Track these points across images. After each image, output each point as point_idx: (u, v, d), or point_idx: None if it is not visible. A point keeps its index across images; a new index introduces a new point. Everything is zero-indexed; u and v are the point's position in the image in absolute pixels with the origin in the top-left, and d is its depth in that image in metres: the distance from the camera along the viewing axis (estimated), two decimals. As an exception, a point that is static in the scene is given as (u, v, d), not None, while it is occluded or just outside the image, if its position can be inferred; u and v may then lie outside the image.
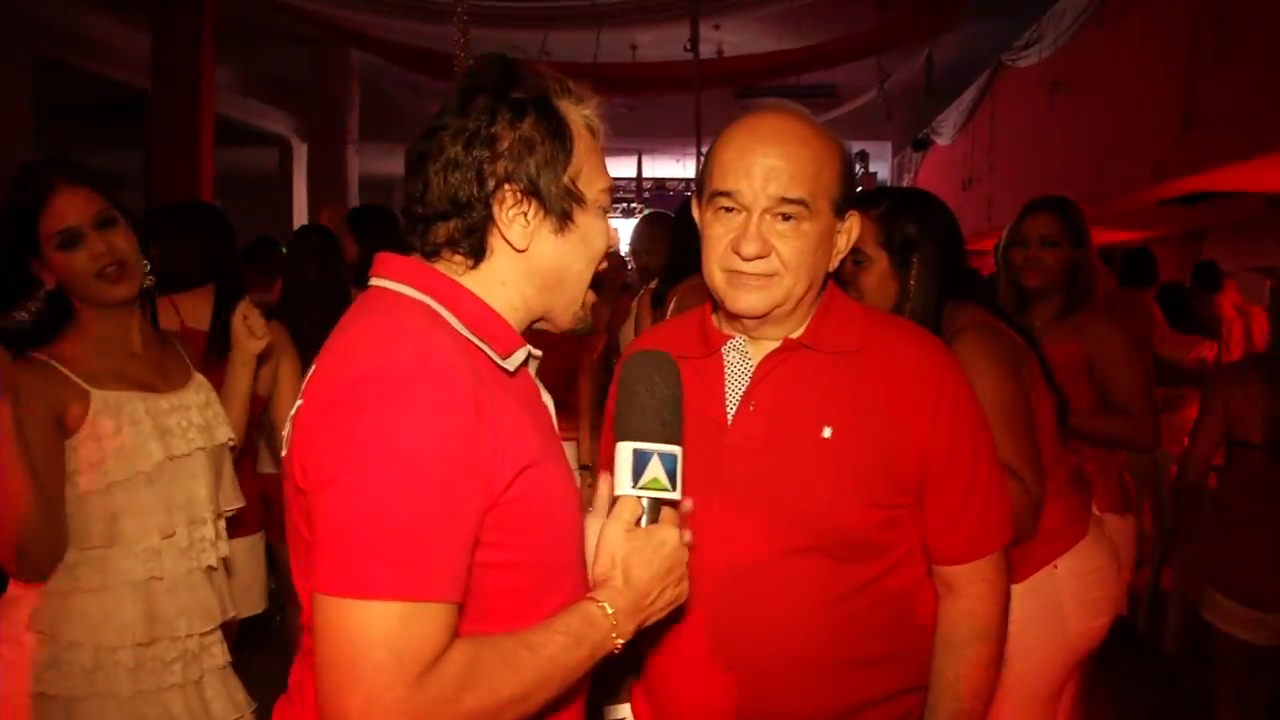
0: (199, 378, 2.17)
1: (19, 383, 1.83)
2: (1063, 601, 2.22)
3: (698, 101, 9.05)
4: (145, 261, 2.05)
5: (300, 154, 15.08)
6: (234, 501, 2.20)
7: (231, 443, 2.20)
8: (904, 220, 2.24)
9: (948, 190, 12.82)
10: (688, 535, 1.30)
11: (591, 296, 1.37)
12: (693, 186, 15.66)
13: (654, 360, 1.31)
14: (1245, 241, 8.76)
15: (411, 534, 1.05)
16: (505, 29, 10.10)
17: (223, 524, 2.13)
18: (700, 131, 9.39)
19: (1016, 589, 2.11)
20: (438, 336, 1.16)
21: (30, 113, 9.97)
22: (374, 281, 1.28)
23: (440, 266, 1.27)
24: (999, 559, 1.56)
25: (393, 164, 16.89)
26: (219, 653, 2.08)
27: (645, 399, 1.27)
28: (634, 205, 18.38)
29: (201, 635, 2.03)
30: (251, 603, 2.90)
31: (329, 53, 12.80)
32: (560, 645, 1.16)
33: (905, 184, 16.18)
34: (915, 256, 2.22)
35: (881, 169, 17.99)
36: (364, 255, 4.10)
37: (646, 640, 1.56)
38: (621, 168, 17.64)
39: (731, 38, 11.70)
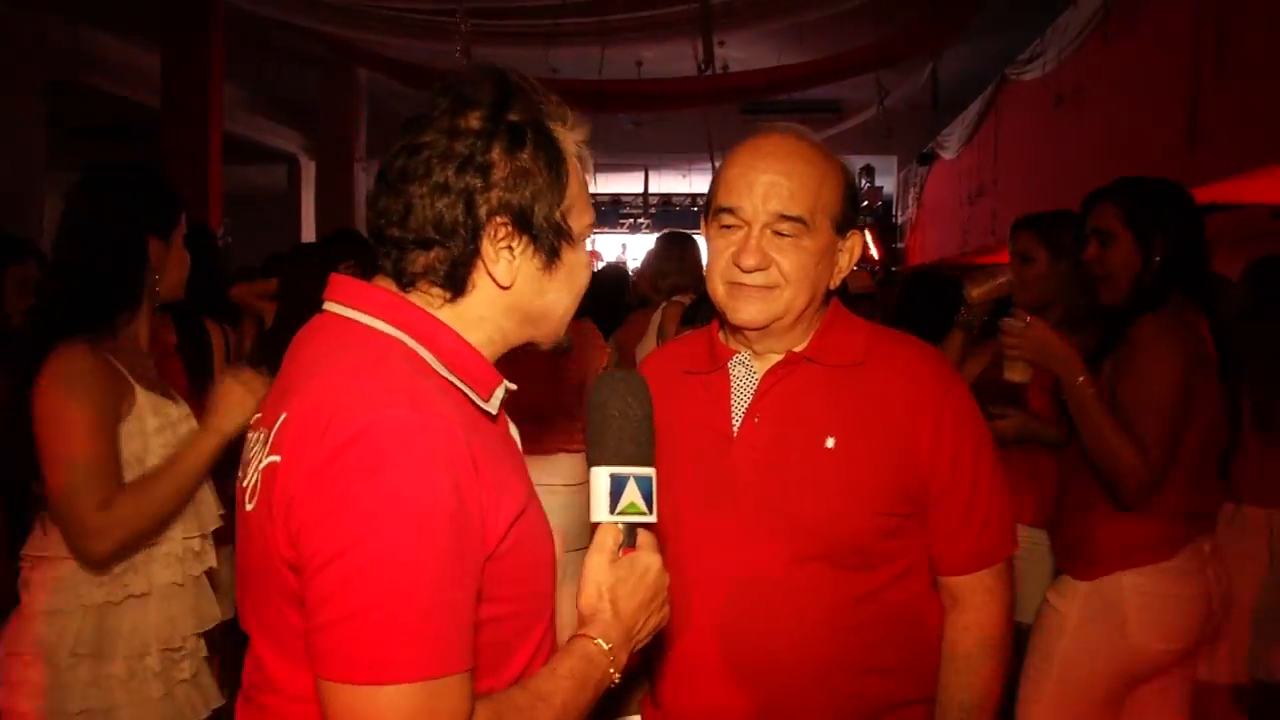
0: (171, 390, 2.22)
1: (92, 381, 1.88)
2: (1124, 610, 2.23)
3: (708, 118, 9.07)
4: None
5: (308, 171, 15.18)
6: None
7: None
8: (1150, 203, 2.40)
9: (953, 204, 12.85)
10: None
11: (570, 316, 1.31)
12: (699, 201, 15.65)
13: (626, 381, 1.26)
14: (1251, 254, 8.76)
15: (429, 609, 0.99)
16: (510, 46, 10.17)
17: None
18: (711, 147, 9.42)
19: (1083, 587, 2.27)
20: (425, 385, 1.08)
21: (43, 132, 10.07)
22: (336, 309, 1.18)
23: (414, 298, 1.17)
24: (1003, 569, 1.57)
25: (400, 181, 16.97)
26: (203, 646, 2.14)
27: (619, 422, 1.23)
28: (641, 221, 18.43)
29: (199, 635, 2.10)
30: (226, 609, 2.97)
31: (337, 71, 12.90)
32: (569, 690, 1.13)
33: (910, 199, 16.21)
34: (1157, 243, 2.35)
35: (887, 183, 18.03)
36: None
37: (655, 651, 1.58)
38: (628, 183, 17.71)
39: (736, 54, 11.75)
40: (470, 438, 1.06)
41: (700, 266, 3.97)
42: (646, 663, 1.65)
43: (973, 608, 1.55)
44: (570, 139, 1.21)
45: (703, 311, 3.26)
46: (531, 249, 1.17)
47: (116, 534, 1.85)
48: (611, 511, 1.21)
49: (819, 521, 1.48)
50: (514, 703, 1.09)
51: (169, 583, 2.00)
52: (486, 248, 1.15)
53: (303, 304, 3.55)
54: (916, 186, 15.71)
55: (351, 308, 1.16)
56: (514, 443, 1.30)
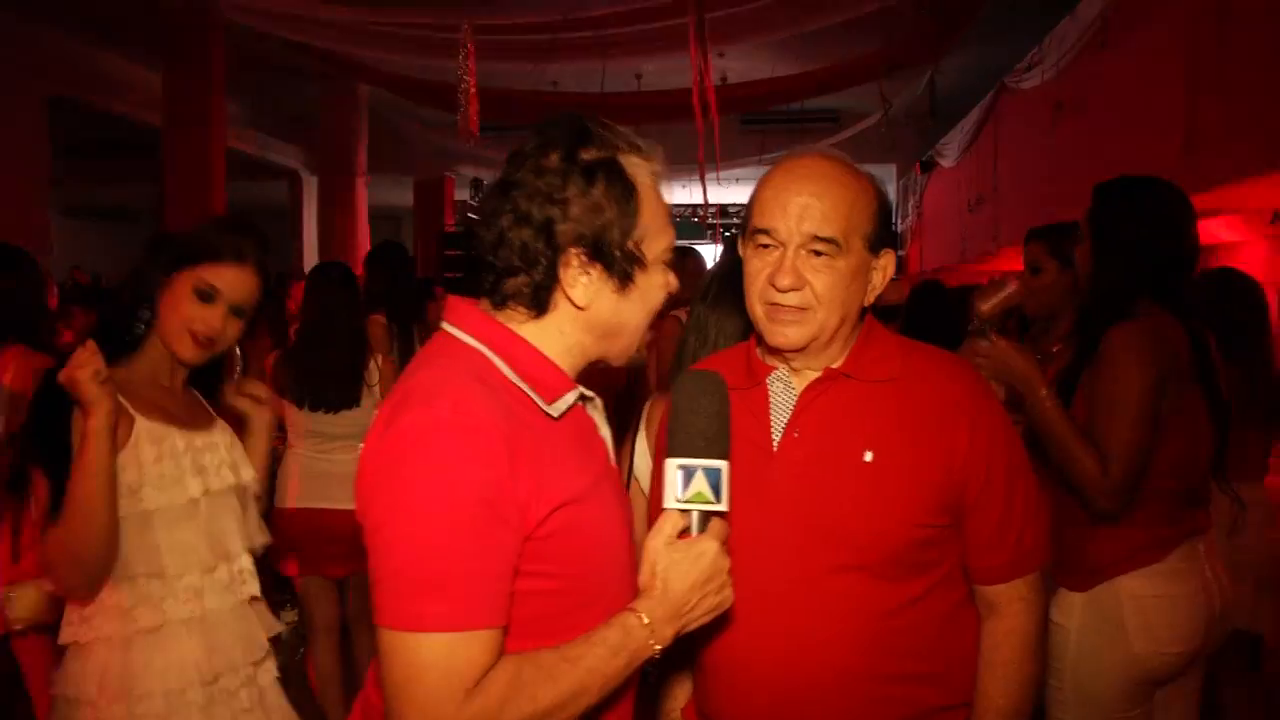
0: (221, 421, 2.21)
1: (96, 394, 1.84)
2: (1124, 617, 2.23)
3: (716, 127, 9.07)
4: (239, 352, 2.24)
5: (310, 186, 15.23)
6: (260, 538, 2.21)
7: (254, 485, 2.24)
8: (1106, 204, 2.39)
9: (953, 212, 12.88)
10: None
11: (647, 336, 1.45)
12: (699, 213, 15.58)
13: (699, 380, 1.36)
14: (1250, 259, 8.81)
15: (453, 573, 1.19)
16: (510, 61, 10.22)
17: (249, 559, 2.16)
18: (712, 158, 9.45)
19: (1079, 598, 2.27)
20: (476, 390, 1.25)
21: (46, 149, 10.11)
22: (444, 325, 1.38)
23: (503, 315, 1.35)
24: (1036, 579, 1.62)
25: (401, 195, 17.01)
26: (271, 668, 2.13)
27: (689, 418, 1.32)
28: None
29: (255, 663, 2.07)
30: None
31: (338, 86, 12.92)
32: (598, 657, 1.25)
33: (910, 207, 16.26)
34: (1114, 244, 2.34)
35: (887, 191, 18.03)
36: (372, 291, 4.17)
37: (698, 656, 1.63)
38: (627, 194, 17.65)
39: (736, 65, 11.82)
40: (514, 436, 1.23)
41: (701, 276, 4.02)
42: (692, 669, 1.69)
43: (1009, 615, 1.59)
44: (645, 170, 1.36)
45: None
46: (605, 274, 1.33)
47: (57, 563, 1.85)
48: (678, 499, 1.30)
49: (858, 533, 1.52)
50: (539, 661, 1.23)
51: (193, 615, 1.97)
52: (564, 274, 1.32)
53: (324, 320, 3.63)
54: (915, 195, 15.75)
55: (451, 324, 1.37)
56: (596, 440, 1.45)
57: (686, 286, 4.19)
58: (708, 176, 9.05)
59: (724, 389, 1.36)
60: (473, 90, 8.20)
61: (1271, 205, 6.69)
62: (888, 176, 17.25)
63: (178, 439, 2.02)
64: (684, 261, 4.44)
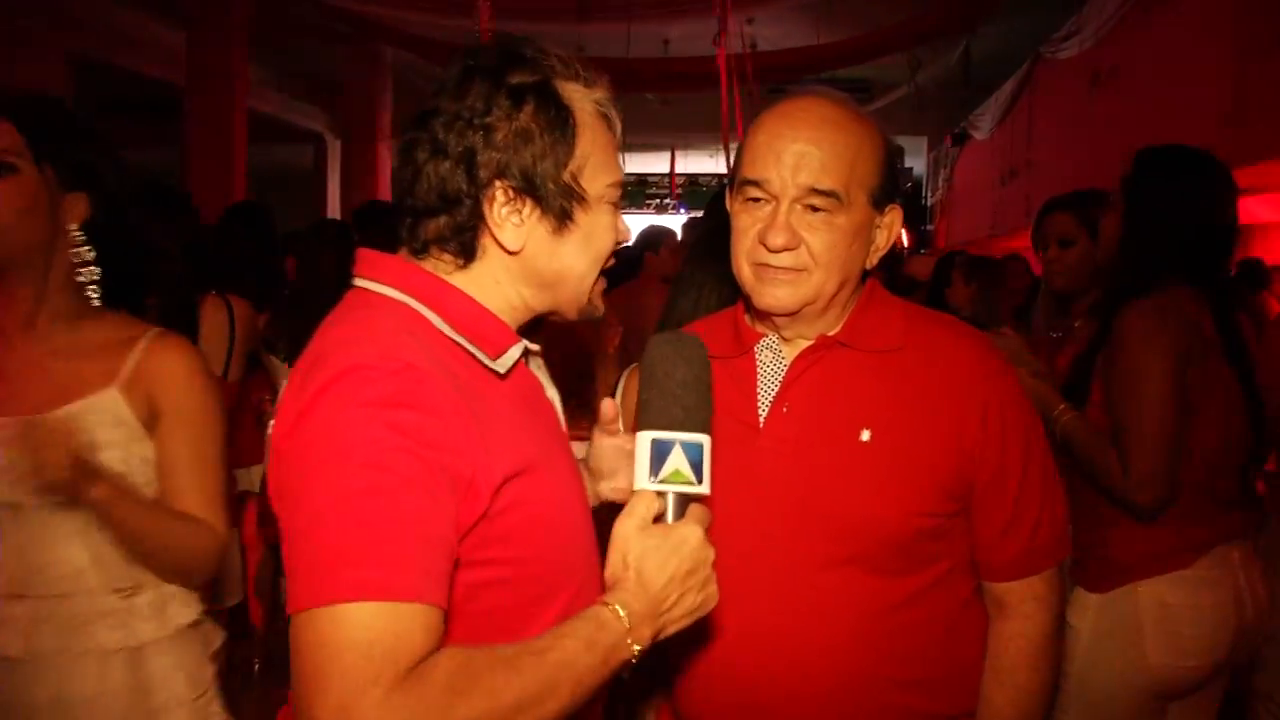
0: (89, 402, 1.64)
1: None
2: (1141, 625, 2.08)
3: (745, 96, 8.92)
4: (82, 240, 1.68)
5: (334, 150, 15.19)
6: (121, 574, 1.66)
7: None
8: (1143, 174, 2.25)
9: (985, 185, 12.67)
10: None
11: (600, 284, 1.26)
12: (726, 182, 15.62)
13: (676, 342, 1.19)
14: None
15: (374, 530, 0.96)
16: (535, 22, 10.07)
17: (117, 600, 1.65)
18: (726, 127, 9.31)
19: (1095, 599, 2.13)
20: (406, 340, 1.07)
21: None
22: (355, 281, 1.20)
23: (428, 265, 1.18)
24: (1052, 575, 1.45)
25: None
26: None
27: (665, 383, 1.14)
28: (667, 201, 18.33)
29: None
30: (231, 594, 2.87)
31: (362, 49, 12.87)
32: (570, 650, 1.04)
33: (940, 180, 16.01)
34: (1140, 211, 2.22)
35: (917, 164, 17.78)
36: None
37: (674, 657, 1.49)
38: (654, 163, 17.60)
39: (764, 31, 11.59)
40: (455, 391, 1.06)
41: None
42: (665, 672, 1.55)
43: (1020, 617, 1.43)
44: (587, 98, 1.19)
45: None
46: (539, 212, 1.16)
47: None
48: (652, 479, 1.12)
49: (853, 522, 1.36)
50: (494, 650, 1.01)
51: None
52: (490, 212, 1.15)
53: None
54: (947, 168, 15.53)
55: (367, 279, 1.19)
56: (544, 402, 1.29)
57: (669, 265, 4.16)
58: (732, 146, 8.87)
59: (704, 352, 1.18)
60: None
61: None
62: (919, 149, 17.01)
63: None
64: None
